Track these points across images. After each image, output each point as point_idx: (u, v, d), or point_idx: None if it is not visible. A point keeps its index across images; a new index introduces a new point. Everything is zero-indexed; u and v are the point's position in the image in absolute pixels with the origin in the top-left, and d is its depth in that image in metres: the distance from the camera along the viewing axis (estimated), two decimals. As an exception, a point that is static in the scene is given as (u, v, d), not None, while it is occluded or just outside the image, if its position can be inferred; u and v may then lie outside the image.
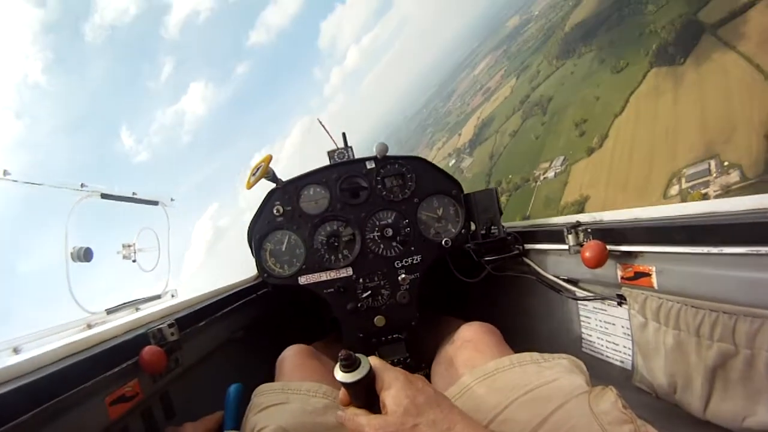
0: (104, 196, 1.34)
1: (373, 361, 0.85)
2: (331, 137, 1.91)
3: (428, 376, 1.62)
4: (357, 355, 0.82)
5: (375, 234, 1.76)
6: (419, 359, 1.71)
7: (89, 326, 1.20)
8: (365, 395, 0.83)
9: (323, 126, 1.93)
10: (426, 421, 0.75)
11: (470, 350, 1.31)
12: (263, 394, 1.26)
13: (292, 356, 1.47)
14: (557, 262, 1.59)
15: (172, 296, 1.52)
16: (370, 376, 0.81)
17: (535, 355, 1.15)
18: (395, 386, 0.80)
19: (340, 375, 0.81)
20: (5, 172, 1.11)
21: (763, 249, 0.93)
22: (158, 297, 1.47)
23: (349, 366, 0.80)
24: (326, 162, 1.87)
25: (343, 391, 0.87)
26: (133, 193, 1.43)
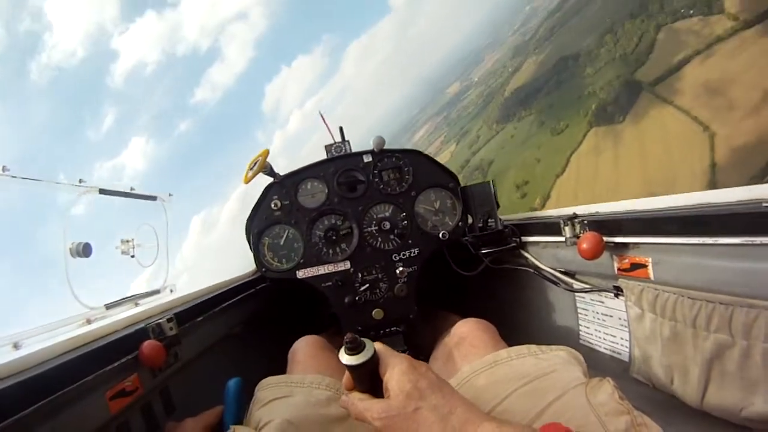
0: (102, 191, 1.34)
1: (378, 346, 0.86)
2: (330, 131, 1.91)
3: None
4: (363, 339, 0.83)
5: (373, 227, 1.76)
6: (417, 352, 1.72)
7: (89, 321, 1.21)
8: (369, 379, 0.84)
9: (323, 119, 1.93)
10: (428, 405, 0.75)
11: (467, 345, 1.32)
12: (266, 388, 1.27)
13: (304, 347, 1.48)
14: (554, 254, 1.59)
15: (171, 291, 1.53)
16: (374, 360, 0.82)
17: (533, 347, 1.15)
18: (398, 370, 0.80)
19: (345, 358, 0.81)
20: (4, 168, 1.12)
21: (758, 239, 0.92)
22: (157, 292, 1.48)
23: (354, 349, 0.81)
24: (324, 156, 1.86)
25: (347, 375, 0.88)
26: (131, 189, 1.44)
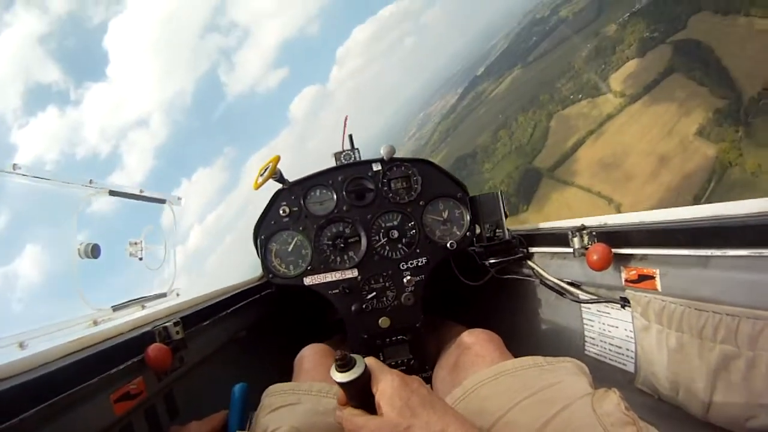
0: (112, 192, 1.34)
1: (370, 361, 0.85)
2: (343, 138, 1.93)
3: (431, 379, 1.62)
4: (353, 355, 0.83)
5: (381, 236, 1.77)
6: (423, 361, 1.72)
7: (95, 323, 1.19)
8: (361, 395, 0.84)
9: (345, 125, 1.94)
10: (419, 423, 0.75)
11: (472, 356, 1.32)
12: (274, 394, 1.26)
13: (310, 355, 1.47)
14: (561, 265, 1.61)
15: (178, 295, 1.52)
16: (366, 376, 0.82)
17: (538, 358, 1.16)
18: (390, 388, 0.80)
19: (335, 375, 0.82)
20: (15, 166, 1.11)
21: (765, 252, 0.94)
22: (164, 295, 1.47)
23: (344, 366, 0.81)
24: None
25: (340, 391, 0.87)
26: (141, 191, 1.44)
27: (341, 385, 0.83)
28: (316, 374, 1.37)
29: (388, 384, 0.81)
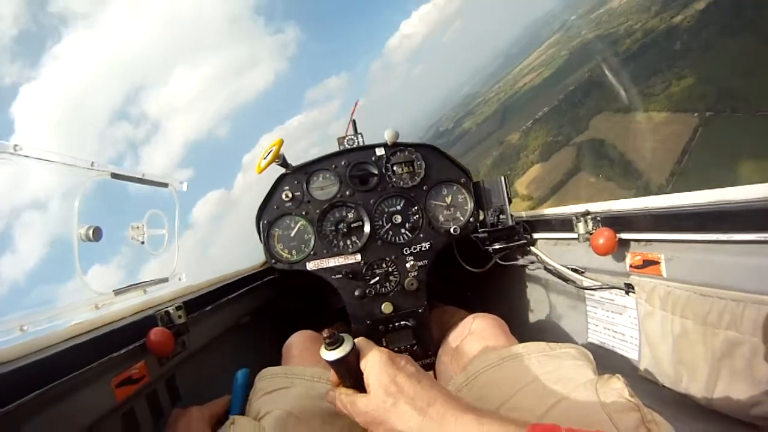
0: (114, 175, 1.32)
1: (359, 340, 0.86)
2: (349, 124, 1.91)
3: (434, 365, 1.62)
4: (342, 334, 0.84)
5: (384, 221, 1.76)
6: (426, 347, 1.72)
7: (97, 307, 1.18)
8: (351, 374, 0.85)
9: (354, 109, 1.93)
10: (405, 398, 0.76)
11: (476, 341, 1.32)
12: (267, 378, 1.26)
13: (299, 342, 1.47)
14: (565, 251, 1.60)
15: (180, 279, 1.51)
16: (354, 354, 0.83)
17: (542, 344, 1.16)
18: (377, 364, 0.81)
19: (324, 353, 0.82)
20: (16, 147, 1.10)
21: None
22: (166, 280, 1.46)
23: (333, 344, 0.81)
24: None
25: (332, 371, 0.88)
26: (143, 174, 1.43)
27: (331, 363, 0.84)
28: (302, 360, 1.37)
29: (375, 361, 0.82)
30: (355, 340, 0.87)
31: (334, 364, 0.84)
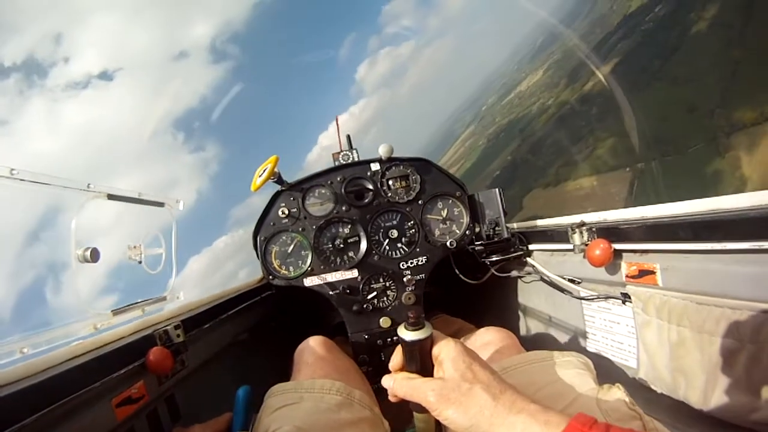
0: (111, 196, 1.33)
1: (436, 331, 0.88)
2: (339, 140, 1.93)
3: None
4: (425, 321, 0.86)
5: (380, 235, 1.76)
6: None
7: (95, 327, 1.18)
8: (420, 358, 0.86)
9: (338, 125, 1.94)
10: (481, 384, 0.79)
11: (488, 354, 1.33)
12: (276, 394, 1.25)
13: (311, 348, 1.46)
14: (561, 262, 1.61)
15: (178, 298, 1.51)
16: (430, 340, 0.85)
17: (543, 353, 1.16)
18: (454, 351, 0.84)
19: (405, 333, 0.84)
20: (12, 171, 1.10)
21: (766, 244, 0.94)
22: (164, 299, 1.46)
23: (416, 325, 0.83)
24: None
25: (398, 354, 0.90)
26: (139, 194, 1.43)
27: (408, 343, 0.85)
28: (318, 368, 1.36)
29: (452, 348, 0.84)
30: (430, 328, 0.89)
31: (410, 345, 0.85)
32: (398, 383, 0.88)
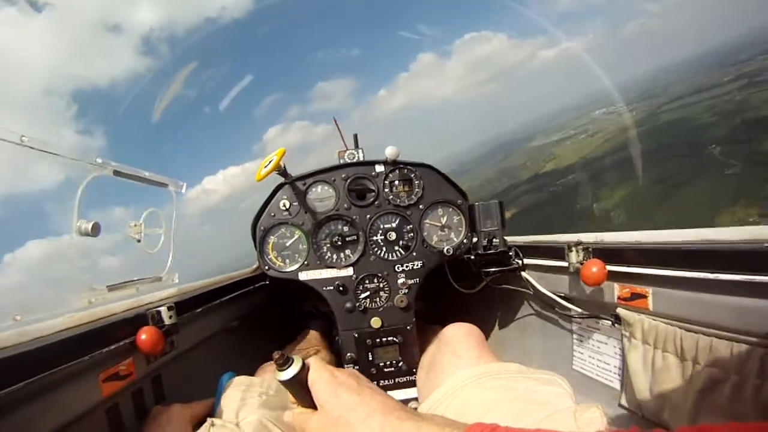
0: (117, 173, 1.34)
1: (310, 361, 0.90)
2: (342, 138, 1.94)
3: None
4: (293, 355, 0.88)
5: (378, 237, 1.78)
6: (411, 365, 1.72)
7: (90, 302, 1.19)
8: (303, 392, 0.88)
9: (337, 125, 1.95)
10: (346, 412, 0.79)
11: (448, 352, 1.33)
12: (247, 384, 1.27)
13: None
14: (555, 278, 1.62)
15: (173, 280, 1.52)
16: (303, 374, 0.87)
17: (523, 367, 1.18)
18: (320, 383, 0.85)
19: (278, 374, 0.86)
20: (22, 138, 1.11)
21: (757, 277, 0.96)
22: (159, 279, 1.47)
23: (283, 364, 0.85)
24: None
25: (289, 392, 0.91)
26: (146, 173, 1.44)
27: (284, 383, 0.87)
28: None
29: (317, 378, 0.86)
30: (310, 360, 0.90)
31: (287, 384, 0.87)
32: (293, 419, 0.90)
